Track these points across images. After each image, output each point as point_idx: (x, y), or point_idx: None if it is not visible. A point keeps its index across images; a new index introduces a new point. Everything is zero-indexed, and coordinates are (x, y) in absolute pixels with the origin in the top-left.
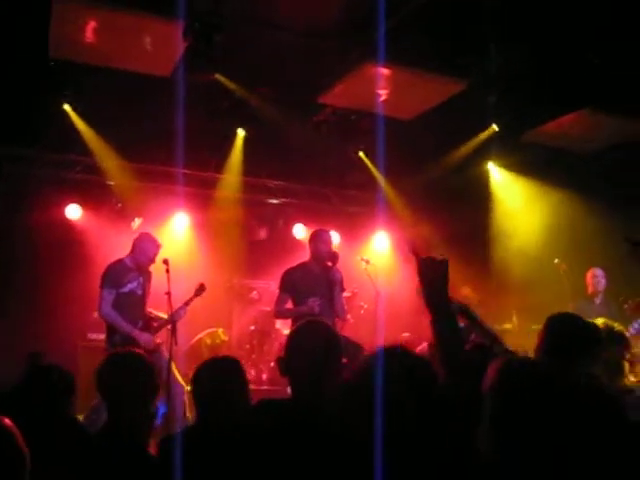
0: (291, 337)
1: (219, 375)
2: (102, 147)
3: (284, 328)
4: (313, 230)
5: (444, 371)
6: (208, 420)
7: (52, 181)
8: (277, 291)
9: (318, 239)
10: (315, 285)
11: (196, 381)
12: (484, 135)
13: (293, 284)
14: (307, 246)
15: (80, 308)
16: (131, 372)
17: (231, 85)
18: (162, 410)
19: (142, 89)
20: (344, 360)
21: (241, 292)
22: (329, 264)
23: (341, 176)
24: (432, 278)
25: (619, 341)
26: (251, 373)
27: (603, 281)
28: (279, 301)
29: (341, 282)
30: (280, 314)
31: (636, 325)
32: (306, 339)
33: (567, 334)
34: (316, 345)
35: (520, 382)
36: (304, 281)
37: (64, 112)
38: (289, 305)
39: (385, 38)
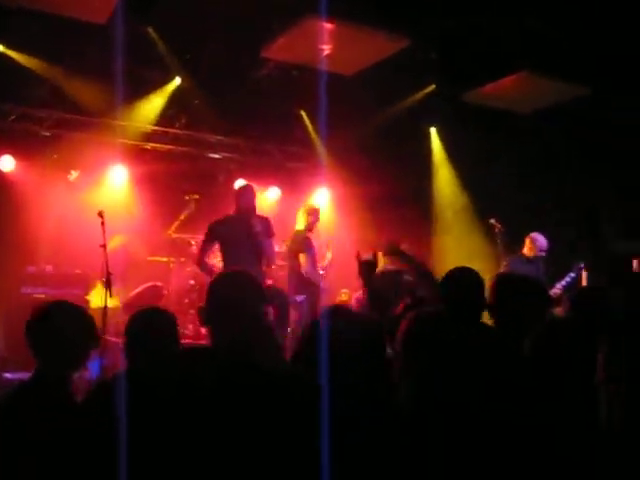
0: (212, 286)
1: (150, 325)
2: (37, 95)
3: None
4: (238, 186)
5: None
6: (137, 368)
7: None
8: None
9: (242, 193)
10: (239, 236)
11: (128, 330)
12: (422, 93)
13: (218, 235)
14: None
15: (14, 262)
16: (67, 321)
17: (160, 42)
18: (97, 364)
19: (78, 36)
20: (270, 308)
21: (181, 246)
22: (251, 215)
23: (283, 132)
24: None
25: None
26: (189, 328)
27: (544, 248)
28: (202, 251)
29: (267, 230)
30: (201, 267)
31: (568, 279)
32: (227, 288)
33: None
34: (237, 294)
35: (425, 337)
36: (229, 232)
37: None
38: (211, 256)
39: None
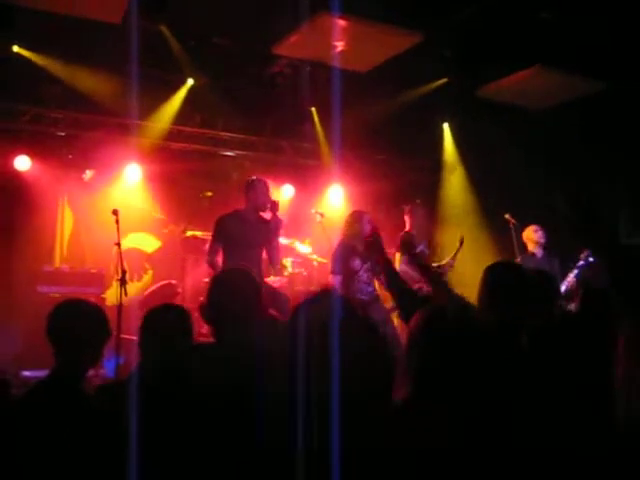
0: (213, 285)
1: (165, 322)
2: (52, 95)
3: None
4: (248, 179)
5: None
6: (150, 366)
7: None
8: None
9: (256, 189)
10: (250, 234)
11: (143, 327)
12: (435, 88)
13: (225, 232)
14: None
15: (30, 261)
16: (84, 318)
17: (173, 40)
18: (114, 362)
19: (92, 35)
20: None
21: (195, 244)
22: (270, 213)
23: (296, 129)
24: None
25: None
26: (204, 326)
27: (544, 238)
28: (212, 250)
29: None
30: (212, 265)
31: (577, 270)
32: (225, 285)
33: (502, 282)
34: (238, 291)
35: (439, 329)
36: (238, 229)
37: (11, 57)
38: (220, 255)
39: None
